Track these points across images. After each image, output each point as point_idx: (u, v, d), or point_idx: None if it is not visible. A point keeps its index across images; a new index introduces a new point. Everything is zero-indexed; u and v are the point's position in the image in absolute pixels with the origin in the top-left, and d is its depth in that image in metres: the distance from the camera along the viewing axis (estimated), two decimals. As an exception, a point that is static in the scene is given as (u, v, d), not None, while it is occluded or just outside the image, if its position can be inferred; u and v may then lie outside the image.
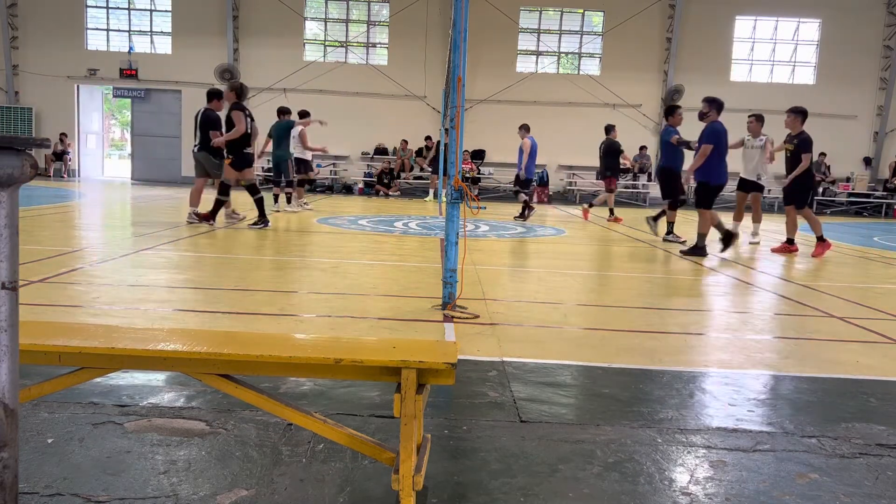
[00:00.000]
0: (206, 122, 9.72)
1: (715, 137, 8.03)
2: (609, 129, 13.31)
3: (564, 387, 3.11)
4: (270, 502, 1.95)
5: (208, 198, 9.85)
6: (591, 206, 13.67)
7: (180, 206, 13.10)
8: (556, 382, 3.14)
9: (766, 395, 3.07)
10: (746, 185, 9.99)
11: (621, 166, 15.13)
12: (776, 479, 2.21)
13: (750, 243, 10.01)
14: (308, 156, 13.23)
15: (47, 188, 16.15)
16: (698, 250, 8.12)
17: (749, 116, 10.15)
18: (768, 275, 6.96)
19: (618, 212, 13.84)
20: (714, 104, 8.22)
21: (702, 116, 8.32)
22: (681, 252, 8.25)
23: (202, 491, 1.98)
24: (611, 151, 13.09)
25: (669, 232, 9.85)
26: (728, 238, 8.37)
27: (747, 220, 10.18)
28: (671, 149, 9.69)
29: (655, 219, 10.38)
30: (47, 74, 21.50)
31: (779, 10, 21.49)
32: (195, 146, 9.76)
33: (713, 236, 8.61)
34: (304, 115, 13.23)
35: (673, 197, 9.85)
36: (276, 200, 12.66)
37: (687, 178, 8.16)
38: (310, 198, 17.81)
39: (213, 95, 9.99)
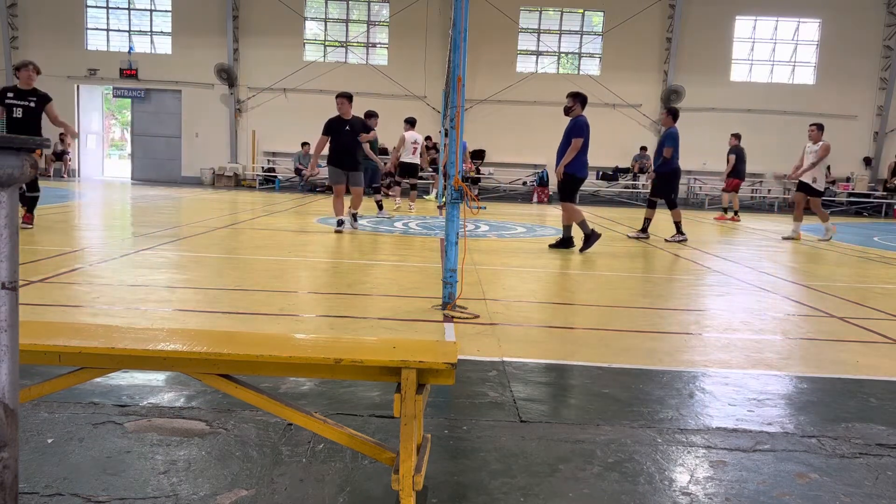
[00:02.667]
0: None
1: (584, 131, 8.16)
2: (738, 136, 15.10)
3: (564, 387, 3.11)
4: (270, 502, 1.95)
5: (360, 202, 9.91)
6: (736, 212, 15.12)
7: (180, 206, 13.10)
8: (556, 382, 3.14)
9: (766, 395, 3.07)
10: (802, 188, 10.90)
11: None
12: (776, 479, 2.21)
13: (820, 240, 10.81)
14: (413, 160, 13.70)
15: (47, 188, 16.12)
16: (566, 242, 8.33)
17: (810, 125, 10.98)
18: (768, 275, 6.95)
19: (616, 211, 13.93)
20: (578, 98, 8.38)
21: (567, 111, 8.40)
22: (549, 245, 8.42)
23: (202, 491, 1.98)
24: (743, 157, 14.99)
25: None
26: (567, 241, 8.37)
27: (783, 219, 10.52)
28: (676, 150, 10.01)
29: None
30: (47, 74, 21.37)
31: (779, 10, 21.48)
32: None
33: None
34: (412, 122, 13.67)
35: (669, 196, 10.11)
36: (381, 208, 12.36)
37: (558, 173, 8.24)
38: (310, 198, 17.82)
39: (342, 95, 9.42)
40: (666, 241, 9.89)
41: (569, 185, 8.38)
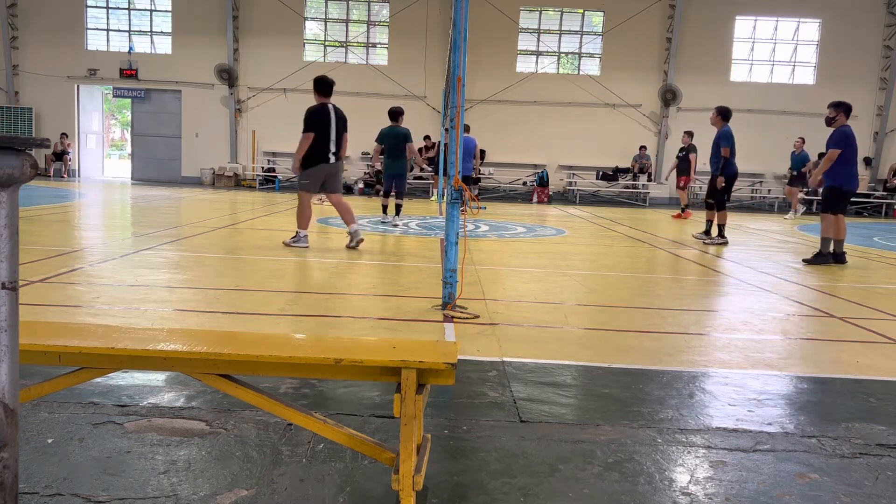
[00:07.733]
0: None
1: (841, 142, 7.66)
2: (690, 134, 15.34)
3: (564, 387, 3.11)
4: (270, 502, 1.95)
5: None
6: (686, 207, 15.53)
7: (180, 207, 13.10)
8: (556, 382, 3.14)
9: (766, 395, 3.06)
10: None
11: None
12: (776, 479, 2.21)
13: None
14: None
15: (47, 188, 16.15)
16: (839, 257, 7.78)
17: None
18: (768, 275, 6.95)
19: (617, 212, 13.99)
20: (842, 107, 7.85)
21: (829, 122, 7.96)
22: (804, 260, 7.92)
23: (202, 491, 1.98)
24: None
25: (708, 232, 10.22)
26: (840, 256, 7.79)
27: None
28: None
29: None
30: (47, 74, 21.49)
31: (779, 10, 21.47)
32: None
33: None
34: None
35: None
36: (385, 211, 11.63)
37: (818, 183, 7.79)
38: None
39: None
40: (695, 237, 10.22)
41: (836, 197, 7.83)
